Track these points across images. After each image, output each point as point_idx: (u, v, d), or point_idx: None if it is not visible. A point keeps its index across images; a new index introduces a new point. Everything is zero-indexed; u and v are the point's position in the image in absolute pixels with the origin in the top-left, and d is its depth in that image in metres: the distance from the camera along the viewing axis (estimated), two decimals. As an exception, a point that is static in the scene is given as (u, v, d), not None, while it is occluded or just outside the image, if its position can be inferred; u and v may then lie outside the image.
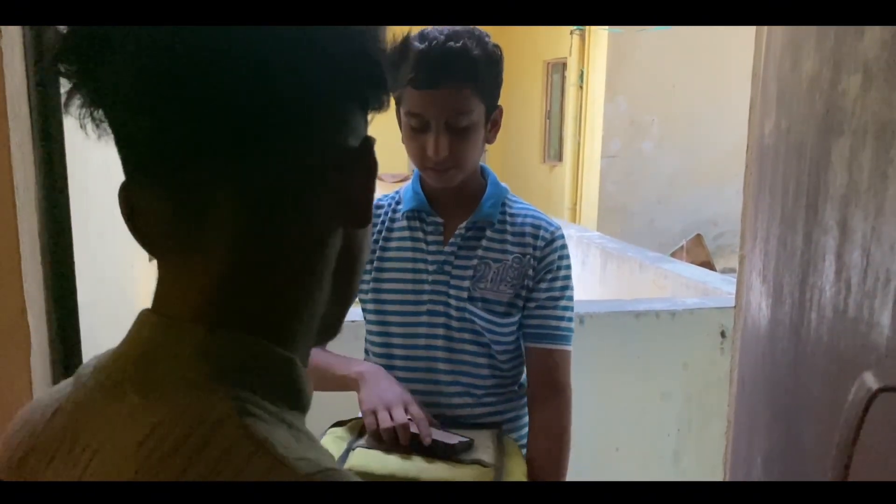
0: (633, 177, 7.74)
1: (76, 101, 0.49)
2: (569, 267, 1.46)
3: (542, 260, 1.42)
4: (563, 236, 1.45)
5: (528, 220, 1.44)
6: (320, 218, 0.53)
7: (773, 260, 0.85)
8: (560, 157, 8.92)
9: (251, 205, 0.50)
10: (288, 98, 0.49)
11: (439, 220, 1.44)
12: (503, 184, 1.49)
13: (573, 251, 4.20)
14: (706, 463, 2.65)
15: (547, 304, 1.43)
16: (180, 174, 0.49)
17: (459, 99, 1.30)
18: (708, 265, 7.71)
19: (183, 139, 0.48)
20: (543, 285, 1.42)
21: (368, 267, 1.45)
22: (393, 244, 1.46)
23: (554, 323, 1.43)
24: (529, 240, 1.42)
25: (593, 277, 3.93)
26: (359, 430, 1.37)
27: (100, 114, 0.49)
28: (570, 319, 1.46)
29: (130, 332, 0.53)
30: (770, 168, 0.92)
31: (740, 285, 1.20)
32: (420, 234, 1.44)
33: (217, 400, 0.48)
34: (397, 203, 1.49)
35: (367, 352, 1.53)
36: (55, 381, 1.13)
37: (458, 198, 1.43)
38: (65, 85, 0.49)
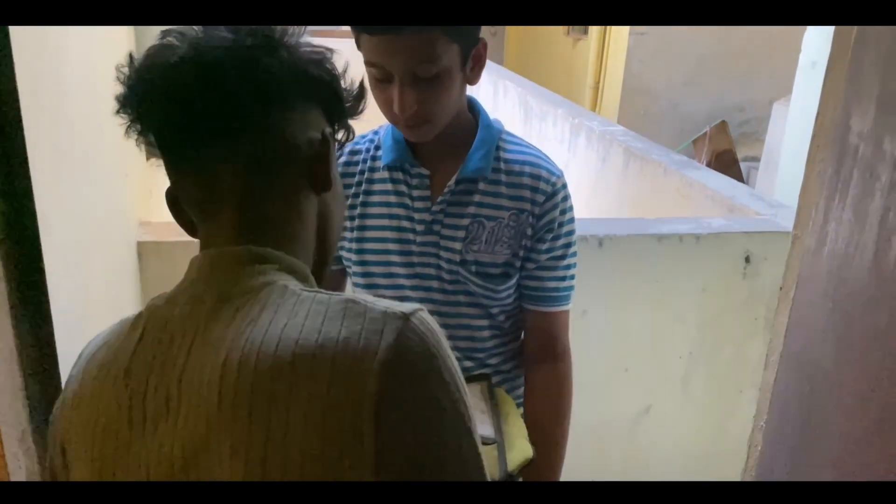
0: (661, 56, 7.34)
1: (134, 131, 0.73)
2: (572, 220, 1.30)
3: (542, 217, 1.26)
4: (565, 185, 1.28)
5: (527, 168, 1.26)
6: (296, 185, 0.75)
7: (850, 303, 0.72)
8: (585, 31, 8.44)
9: (249, 178, 0.72)
10: (268, 105, 0.72)
11: (425, 171, 1.26)
12: (496, 122, 1.30)
13: (594, 146, 4.02)
14: (714, 387, 2.62)
15: (547, 265, 1.29)
16: (202, 164, 0.72)
17: (425, 45, 1.08)
18: (730, 154, 7.49)
19: (200, 143, 0.71)
20: (544, 245, 1.27)
21: (349, 224, 1.30)
22: (375, 199, 1.29)
23: (553, 284, 1.31)
24: (528, 193, 1.25)
25: (614, 177, 3.76)
26: None
27: (150, 138, 0.73)
28: (571, 278, 1.33)
29: (191, 268, 0.73)
30: (858, 178, 0.77)
31: (789, 273, 1.07)
32: (404, 188, 1.27)
33: (278, 281, 0.70)
34: (377, 149, 1.31)
35: None
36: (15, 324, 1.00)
37: (444, 144, 1.23)
38: (126, 120, 0.73)
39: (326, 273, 0.86)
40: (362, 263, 1.30)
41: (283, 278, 0.71)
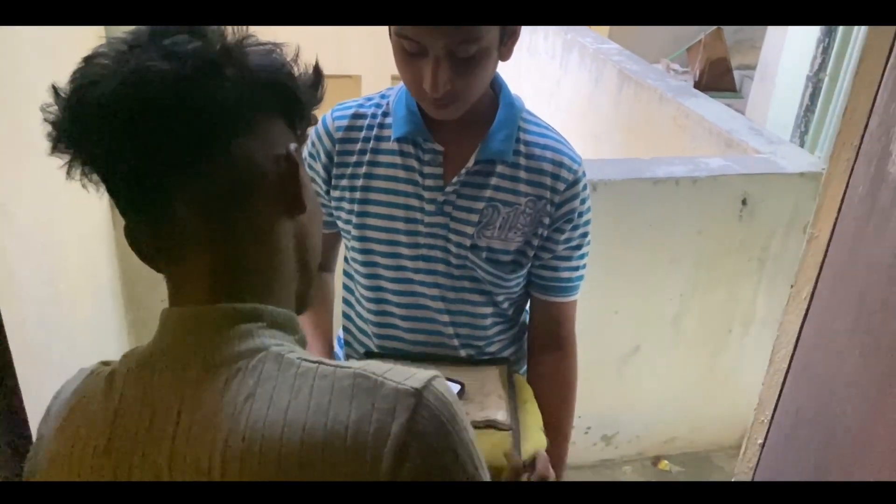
0: (657, -42, 7.00)
1: (76, 168, 0.63)
2: (589, 209, 1.24)
3: (562, 206, 1.19)
4: (585, 173, 1.21)
5: (548, 154, 1.18)
6: (267, 214, 0.67)
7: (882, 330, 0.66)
8: (578, -73, 8.01)
9: (213, 217, 0.64)
10: (221, 135, 0.63)
11: (439, 148, 1.17)
12: (517, 99, 1.20)
13: (587, 65, 3.86)
14: (705, 327, 2.61)
15: (563, 255, 1.23)
16: (151, 197, 0.63)
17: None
18: (724, 62, 7.28)
19: (149, 185, 0.62)
20: (562, 236, 1.21)
21: (349, 195, 1.22)
22: (380, 171, 1.19)
23: (567, 275, 1.25)
24: (548, 180, 1.17)
25: (606, 100, 3.62)
26: None
27: (94, 176, 0.64)
28: (584, 267, 1.28)
29: (166, 327, 0.66)
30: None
31: (802, 273, 1.01)
32: (414, 164, 1.18)
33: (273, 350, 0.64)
34: (384, 115, 1.20)
35: (349, 289, 1.34)
36: None
37: (461, 120, 1.13)
38: (65, 158, 0.63)
39: (312, 292, 0.79)
40: (362, 239, 1.22)
41: (272, 338, 0.65)
